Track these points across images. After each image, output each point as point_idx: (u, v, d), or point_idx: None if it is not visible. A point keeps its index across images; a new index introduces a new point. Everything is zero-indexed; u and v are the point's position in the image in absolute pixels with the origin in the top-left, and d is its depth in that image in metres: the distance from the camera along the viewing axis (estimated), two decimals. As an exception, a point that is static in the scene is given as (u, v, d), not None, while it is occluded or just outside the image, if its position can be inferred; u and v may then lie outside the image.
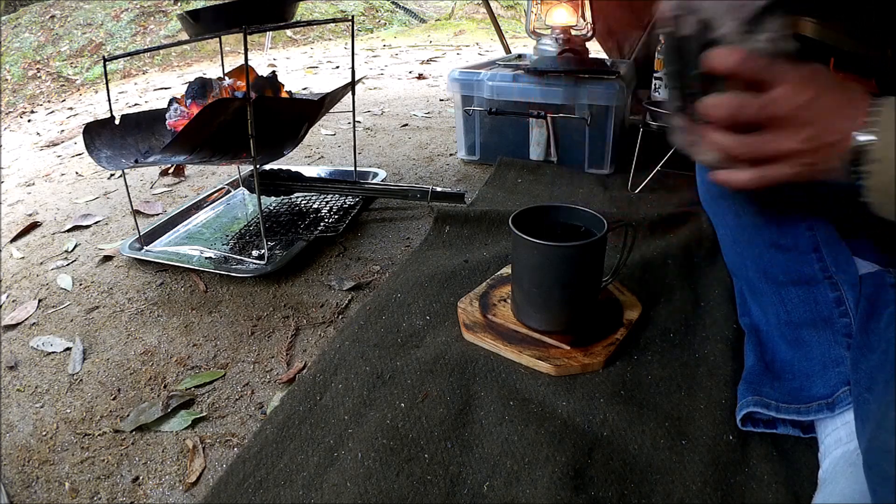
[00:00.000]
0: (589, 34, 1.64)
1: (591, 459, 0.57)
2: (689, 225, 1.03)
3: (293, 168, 1.20)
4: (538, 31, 1.62)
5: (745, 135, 0.44)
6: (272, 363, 0.77)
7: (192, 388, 0.73)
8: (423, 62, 3.26)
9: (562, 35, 1.55)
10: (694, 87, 0.48)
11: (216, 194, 1.27)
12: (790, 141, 0.42)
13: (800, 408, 0.56)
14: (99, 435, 0.67)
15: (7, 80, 3.56)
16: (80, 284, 0.98)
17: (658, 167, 1.21)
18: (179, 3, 4.54)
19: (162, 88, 2.90)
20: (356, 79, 1.15)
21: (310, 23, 1.32)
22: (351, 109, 1.24)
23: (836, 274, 0.60)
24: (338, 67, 3.20)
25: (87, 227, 1.22)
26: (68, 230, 1.21)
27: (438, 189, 1.19)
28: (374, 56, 3.55)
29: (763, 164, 0.44)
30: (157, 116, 1.05)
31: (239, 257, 1.00)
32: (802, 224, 0.62)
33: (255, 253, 1.00)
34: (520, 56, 1.69)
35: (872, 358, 0.50)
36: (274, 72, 1.13)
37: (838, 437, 0.52)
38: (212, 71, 3.27)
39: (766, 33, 0.44)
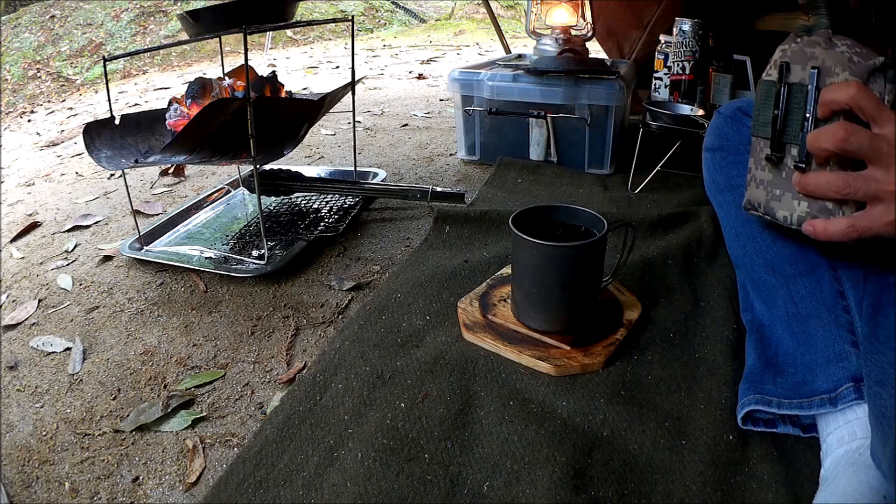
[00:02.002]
0: (589, 34, 1.64)
1: (591, 459, 0.57)
2: (689, 225, 1.03)
3: (293, 168, 1.20)
4: (538, 31, 1.62)
5: (847, 172, 0.44)
6: (272, 363, 0.77)
7: (192, 388, 0.73)
8: (423, 62, 3.26)
9: (562, 35, 1.55)
10: (796, 131, 0.49)
11: (216, 194, 1.27)
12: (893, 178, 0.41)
13: (802, 402, 0.56)
14: (99, 435, 0.67)
15: (7, 80, 3.56)
16: (80, 284, 0.98)
17: (658, 167, 1.21)
18: (179, 3, 4.54)
19: (162, 88, 2.90)
20: (356, 79, 1.15)
21: (310, 23, 1.32)
22: (351, 109, 1.24)
23: (840, 268, 0.61)
24: (338, 67, 3.20)
25: (87, 227, 1.22)
26: (68, 230, 1.21)
27: (438, 189, 1.19)
28: (374, 56, 3.55)
29: (859, 209, 0.44)
30: (157, 116, 1.05)
31: (239, 257, 1.00)
32: None
33: (255, 253, 1.00)
34: (520, 56, 1.69)
35: (884, 352, 0.50)
36: (274, 72, 1.13)
37: (840, 437, 0.52)
38: (212, 71, 3.27)
39: (877, 91, 0.46)
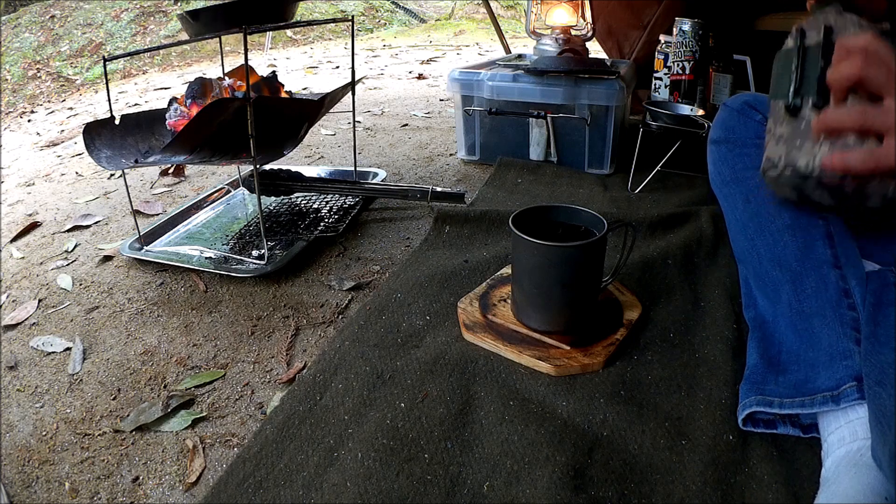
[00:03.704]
0: (589, 34, 1.64)
1: (591, 459, 0.57)
2: (689, 225, 1.03)
3: (293, 168, 1.20)
4: (538, 31, 1.62)
5: (865, 105, 0.45)
6: (272, 363, 0.77)
7: (192, 388, 0.73)
8: (423, 62, 3.26)
9: (562, 35, 1.55)
10: (812, 83, 0.51)
11: (216, 194, 1.27)
12: None
13: (804, 400, 0.56)
14: (99, 435, 0.67)
15: (7, 80, 3.56)
16: (80, 284, 0.98)
17: (658, 167, 1.21)
18: (179, 3, 4.54)
19: (162, 88, 2.90)
20: (356, 79, 1.15)
21: (310, 23, 1.32)
22: (351, 109, 1.24)
23: (845, 266, 0.61)
24: (338, 67, 3.20)
25: (87, 227, 1.22)
26: (68, 230, 1.21)
27: (438, 189, 1.19)
28: (374, 56, 3.55)
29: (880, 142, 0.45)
30: (157, 116, 1.05)
31: (239, 257, 1.00)
32: (815, 213, 0.64)
33: (255, 253, 1.00)
34: (520, 56, 1.69)
35: (884, 352, 0.50)
36: (274, 72, 1.13)
37: (841, 436, 0.52)
38: (212, 71, 3.27)
39: None
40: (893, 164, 0.44)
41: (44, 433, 0.68)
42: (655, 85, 1.49)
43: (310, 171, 1.29)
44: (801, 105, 0.52)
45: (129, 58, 3.67)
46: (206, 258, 1.00)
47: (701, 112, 1.19)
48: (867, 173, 0.45)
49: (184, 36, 1.43)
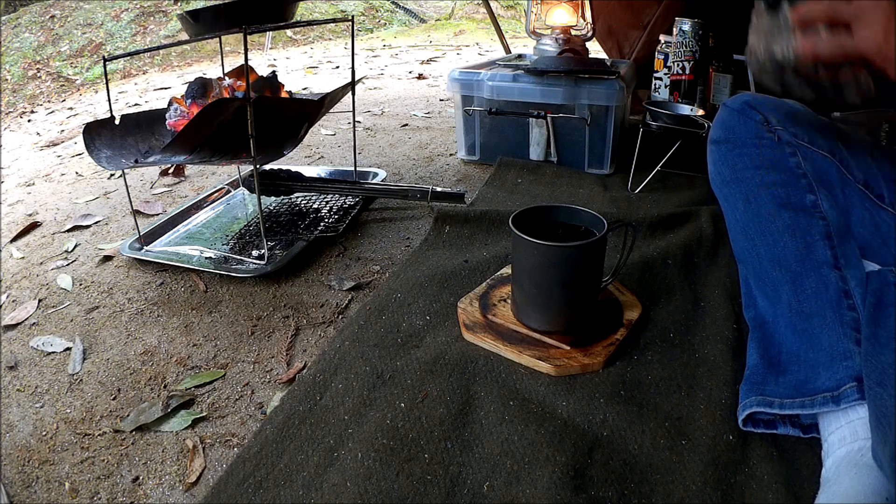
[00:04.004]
0: (589, 34, 1.64)
1: (591, 459, 0.57)
2: (689, 225, 1.03)
3: (293, 168, 1.20)
4: (538, 31, 1.62)
5: None
6: (272, 363, 0.77)
7: (192, 388, 0.73)
8: (423, 62, 3.26)
9: (562, 35, 1.55)
10: None
11: (216, 194, 1.27)
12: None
13: (804, 401, 0.56)
14: (99, 435, 0.67)
15: (7, 80, 3.56)
16: (80, 284, 0.98)
17: (658, 167, 1.21)
18: (179, 3, 4.54)
19: (162, 88, 2.90)
20: (356, 79, 1.15)
21: (310, 23, 1.32)
22: (351, 109, 1.24)
23: (845, 267, 0.61)
24: (338, 67, 3.20)
25: (87, 227, 1.22)
26: (68, 230, 1.21)
27: (438, 189, 1.19)
28: (374, 56, 3.55)
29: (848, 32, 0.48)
30: (157, 116, 1.05)
31: (239, 257, 1.00)
32: (815, 213, 0.64)
33: (255, 253, 1.00)
34: (520, 56, 1.69)
35: (884, 353, 0.50)
36: (274, 72, 1.13)
37: (842, 437, 0.52)
38: (212, 71, 3.27)
39: None
40: (858, 51, 0.48)
41: (44, 433, 0.68)
42: (655, 85, 1.49)
43: (310, 171, 1.29)
44: (779, 0, 0.56)
45: (129, 58, 3.67)
46: (206, 258, 1.00)
47: (701, 112, 1.19)
48: (835, 59, 0.49)
49: (184, 36, 1.43)
